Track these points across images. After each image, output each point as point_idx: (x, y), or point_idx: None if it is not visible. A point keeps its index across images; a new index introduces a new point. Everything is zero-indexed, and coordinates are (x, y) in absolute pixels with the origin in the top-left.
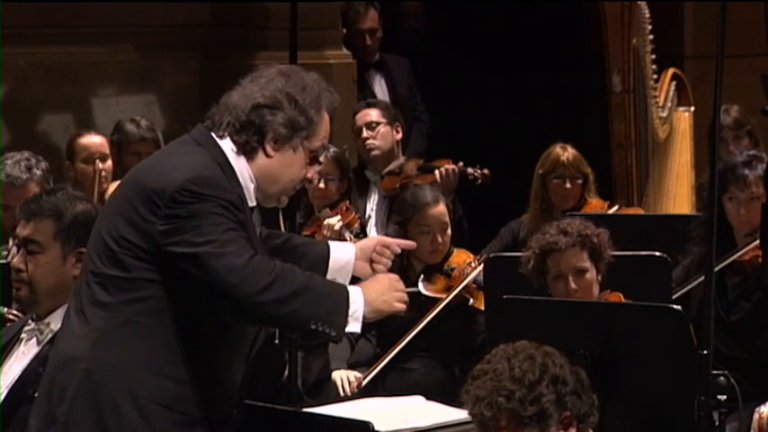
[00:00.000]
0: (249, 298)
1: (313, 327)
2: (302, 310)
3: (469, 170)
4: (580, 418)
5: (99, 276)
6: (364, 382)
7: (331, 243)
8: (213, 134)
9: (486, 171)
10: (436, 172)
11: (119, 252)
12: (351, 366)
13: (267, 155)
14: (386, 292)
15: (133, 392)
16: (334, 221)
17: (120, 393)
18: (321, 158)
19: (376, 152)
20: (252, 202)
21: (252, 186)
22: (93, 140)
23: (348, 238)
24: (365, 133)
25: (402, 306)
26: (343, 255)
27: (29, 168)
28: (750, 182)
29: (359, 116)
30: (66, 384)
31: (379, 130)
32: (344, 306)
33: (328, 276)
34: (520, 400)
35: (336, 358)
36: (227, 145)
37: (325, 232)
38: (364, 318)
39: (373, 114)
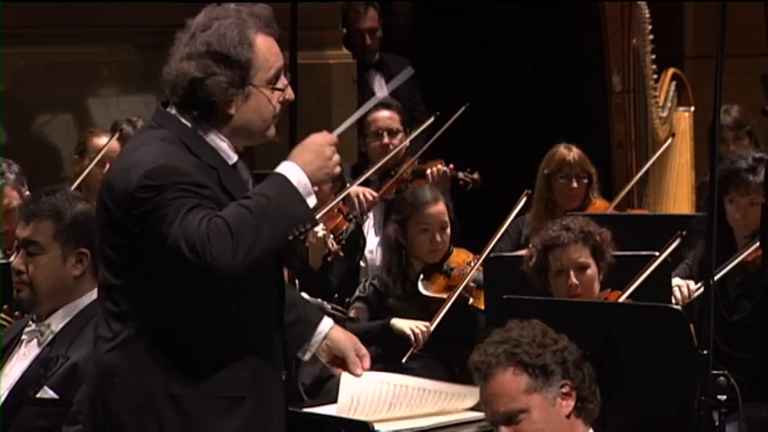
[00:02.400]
0: (229, 264)
1: (291, 238)
2: (274, 236)
3: (460, 174)
4: (580, 397)
5: (109, 289)
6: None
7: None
8: (172, 110)
9: (476, 176)
10: (428, 172)
11: (118, 261)
12: None
13: (228, 115)
14: (325, 163)
15: (171, 393)
16: (318, 230)
17: (159, 397)
18: (284, 79)
19: (389, 161)
20: (231, 159)
21: (224, 145)
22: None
23: (330, 245)
24: (386, 139)
25: (338, 169)
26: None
27: (1, 174)
28: (752, 188)
29: (379, 117)
30: (107, 398)
31: (397, 137)
32: (298, 199)
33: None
34: (527, 351)
35: (370, 324)
36: (186, 117)
37: (311, 239)
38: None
39: (395, 121)
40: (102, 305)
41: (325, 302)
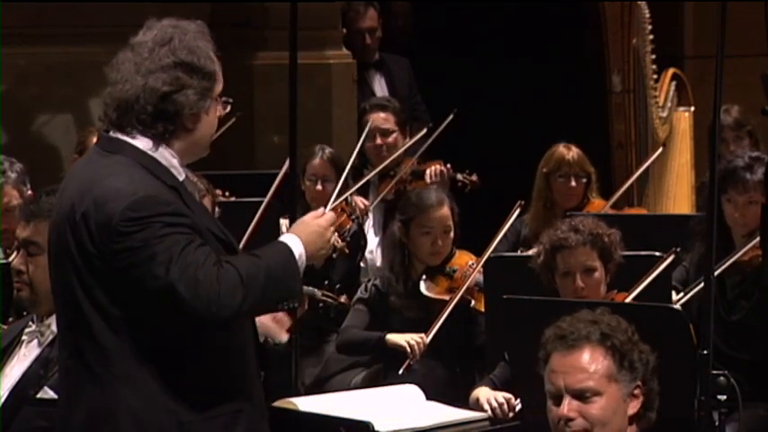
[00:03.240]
0: (230, 315)
1: (280, 307)
2: (272, 299)
3: (459, 176)
4: (645, 405)
5: (82, 329)
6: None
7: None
8: (121, 136)
9: (474, 177)
10: (426, 173)
11: (93, 297)
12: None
13: (187, 130)
14: (324, 246)
15: (179, 421)
16: None
17: (168, 427)
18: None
19: (386, 161)
20: (181, 176)
21: (175, 162)
22: None
23: (336, 242)
24: (379, 140)
25: (330, 251)
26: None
27: (2, 172)
28: (749, 186)
29: (374, 118)
30: None
31: (391, 136)
32: (297, 276)
33: None
34: (621, 340)
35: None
36: (141, 142)
37: None
38: None
39: (389, 121)
40: (75, 349)
41: (316, 289)
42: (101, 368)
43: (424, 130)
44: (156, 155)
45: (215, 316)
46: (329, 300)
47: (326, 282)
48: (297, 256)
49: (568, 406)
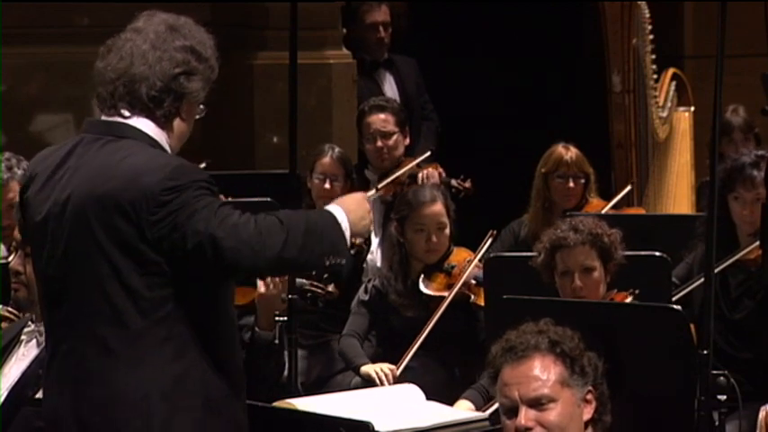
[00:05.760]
0: (274, 259)
1: (327, 263)
2: (316, 251)
3: (453, 182)
4: (598, 409)
5: (106, 314)
6: (398, 373)
7: None
8: (119, 119)
9: (468, 184)
10: (419, 177)
11: (124, 280)
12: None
13: (182, 119)
14: (365, 215)
15: (206, 399)
16: None
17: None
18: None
19: (387, 162)
20: None
21: (169, 149)
22: None
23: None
24: (379, 142)
25: (372, 226)
26: None
27: (9, 168)
28: (757, 183)
29: (373, 120)
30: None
31: (392, 138)
32: (342, 234)
33: None
34: (570, 347)
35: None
36: (141, 123)
37: None
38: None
39: (389, 123)
40: (92, 336)
41: (304, 279)
42: (127, 351)
43: (428, 153)
44: (156, 136)
45: (258, 259)
46: (317, 290)
47: (314, 273)
48: (340, 220)
49: (525, 416)
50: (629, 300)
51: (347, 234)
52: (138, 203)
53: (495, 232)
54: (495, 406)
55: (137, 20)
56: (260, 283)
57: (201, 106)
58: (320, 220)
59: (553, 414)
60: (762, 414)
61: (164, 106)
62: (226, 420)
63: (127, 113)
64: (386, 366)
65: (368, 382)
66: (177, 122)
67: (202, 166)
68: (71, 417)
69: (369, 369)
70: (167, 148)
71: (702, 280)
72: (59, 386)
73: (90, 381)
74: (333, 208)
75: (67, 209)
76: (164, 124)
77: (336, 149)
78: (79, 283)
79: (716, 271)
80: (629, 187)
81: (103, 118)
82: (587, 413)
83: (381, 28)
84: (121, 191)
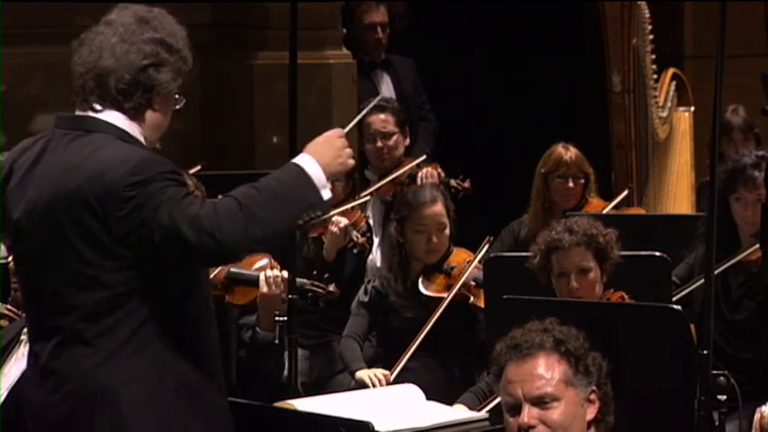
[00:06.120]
0: (239, 242)
1: (301, 222)
2: (282, 217)
3: (452, 182)
4: (602, 409)
5: (81, 309)
6: (392, 378)
7: None
8: (90, 113)
9: (467, 184)
10: (418, 176)
11: (96, 275)
12: None
13: (154, 110)
14: (338, 153)
15: (182, 382)
16: (342, 221)
17: (171, 393)
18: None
19: (387, 162)
20: None
21: (143, 139)
22: None
23: (355, 238)
24: (380, 142)
25: (352, 161)
26: None
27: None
28: (759, 184)
29: (373, 120)
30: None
31: (392, 139)
32: (311, 186)
33: None
34: (575, 346)
35: (353, 359)
36: (112, 116)
37: (333, 228)
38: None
39: (389, 123)
40: (73, 325)
41: (305, 279)
42: (100, 343)
43: (424, 156)
44: (128, 129)
45: (223, 247)
46: (318, 290)
47: (315, 272)
48: (308, 169)
49: (528, 414)
50: (622, 298)
51: (320, 181)
52: (104, 200)
53: (491, 238)
54: (492, 404)
55: (110, 12)
56: (262, 284)
57: (178, 96)
58: (283, 177)
59: (556, 413)
60: (756, 416)
61: (133, 99)
62: (201, 403)
63: (98, 107)
64: (380, 372)
65: (363, 388)
66: (150, 114)
67: (197, 169)
68: (51, 409)
69: (363, 375)
70: (141, 139)
71: (702, 280)
72: (40, 380)
73: (66, 373)
74: (299, 157)
75: (38, 208)
76: (134, 116)
77: None
78: (53, 279)
79: (717, 272)
80: (626, 192)
81: (76, 112)
82: (590, 413)
83: (379, 28)
84: (87, 188)
